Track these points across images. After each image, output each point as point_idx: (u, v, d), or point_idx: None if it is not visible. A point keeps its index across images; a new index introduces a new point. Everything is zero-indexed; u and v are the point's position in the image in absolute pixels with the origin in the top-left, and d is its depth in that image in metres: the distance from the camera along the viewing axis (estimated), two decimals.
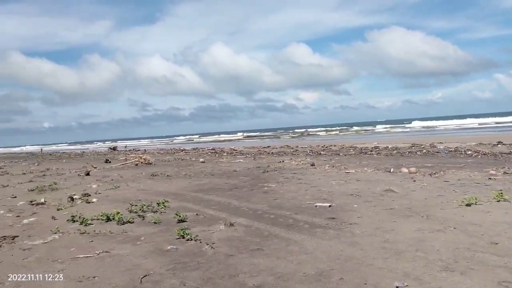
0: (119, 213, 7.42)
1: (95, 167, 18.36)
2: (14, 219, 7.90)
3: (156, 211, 7.84)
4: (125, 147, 52.76)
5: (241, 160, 19.56)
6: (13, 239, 6.29)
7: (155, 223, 6.91)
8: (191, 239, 5.69)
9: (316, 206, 7.51)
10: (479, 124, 64.45)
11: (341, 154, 20.99)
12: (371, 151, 21.96)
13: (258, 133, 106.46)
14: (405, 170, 11.59)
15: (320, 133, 77.52)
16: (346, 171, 12.43)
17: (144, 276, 4.42)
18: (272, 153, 24.91)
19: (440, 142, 25.46)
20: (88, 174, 15.71)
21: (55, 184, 13.01)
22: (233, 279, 4.21)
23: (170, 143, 78.78)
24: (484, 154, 16.10)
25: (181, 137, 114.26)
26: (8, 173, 18.58)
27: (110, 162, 22.31)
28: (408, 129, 67.02)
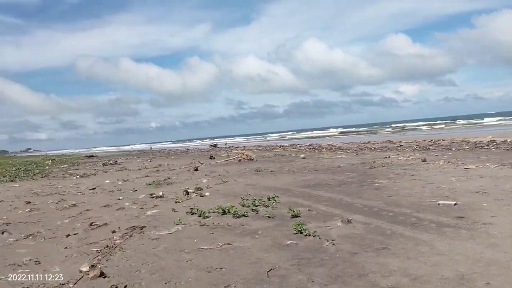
0: (233, 206, 7.62)
1: (202, 163, 19.25)
2: (139, 211, 8.52)
3: (268, 206, 7.91)
4: (225, 144, 54.77)
5: (343, 156, 19.09)
6: (141, 229, 6.76)
7: (269, 217, 6.96)
8: (309, 235, 5.61)
9: (439, 204, 6.96)
10: None
11: (453, 149, 19.45)
12: (487, 145, 20.03)
13: (353, 128, 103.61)
14: None
15: (423, 127, 72.97)
16: (465, 167, 11.42)
17: (270, 270, 4.43)
18: (375, 148, 23.96)
19: None
20: (196, 169, 16.51)
21: (169, 178, 13.87)
22: (363, 279, 4.01)
23: (264, 140, 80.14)
24: None
25: (274, 134, 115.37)
26: (126, 169, 20.31)
27: (214, 158, 23.26)
28: None
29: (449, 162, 13.06)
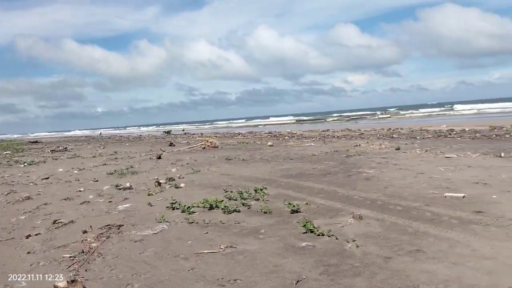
0: (222, 201, 6.79)
1: (164, 151, 18.09)
2: (108, 205, 7.47)
3: (258, 199, 7.13)
4: (183, 130, 53.15)
5: (312, 144, 18.62)
6: (118, 229, 5.78)
7: (265, 212, 6.19)
8: (323, 235, 4.90)
9: (445, 196, 6.50)
10: None
11: (417, 137, 19.54)
12: (449, 134, 20.34)
13: (305, 117, 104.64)
14: None
15: (369, 117, 75.08)
16: (446, 155, 11.21)
17: (298, 282, 3.68)
18: (338, 136, 23.76)
19: None
20: (159, 157, 15.37)
21: (132, 167, 12.72)
22: None
23: (213, 127, 79.18)
24: None
25: (223, 122, 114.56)
26: (79, 156, 18.70)
27: (174, 145, 22.08)
28: (473, 111, 62.99)
29: (426, 150, 12.87)
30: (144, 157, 16.51)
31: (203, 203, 6.75)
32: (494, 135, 18.00)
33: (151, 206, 7.13)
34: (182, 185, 9.05)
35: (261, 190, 7.67)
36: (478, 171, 8.68)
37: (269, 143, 19.54)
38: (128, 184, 9.32)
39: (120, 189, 9.01)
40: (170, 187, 8.93)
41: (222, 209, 6.46)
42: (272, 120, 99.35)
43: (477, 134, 19.08)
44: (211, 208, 6.60)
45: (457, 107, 77.66)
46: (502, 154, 10.53)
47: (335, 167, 10.61)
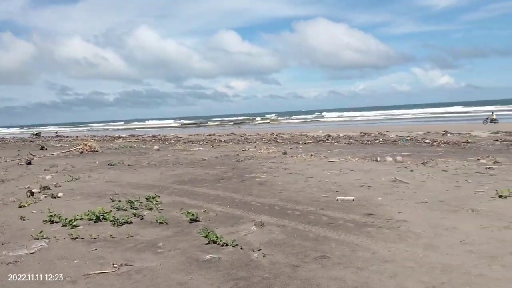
0: (111, 211, 6.16)
1: (34, 155, 16.13)
2: None
3: (152, 208, 6.63)
4: (56, 133, 48.30)
5: (201, 148, 18.33)
6: None
7: (161, 223, 5.76)
8: (227, 245, 4.68)
9: (337, 199, 6.78)
10: (401, 114, 69.03)
11: (300, 142, 20.55)
12: (327, 139, 21.78)
13: (187, 120, 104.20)
14: (389, 159, 11.28)
15: (250, 122, 78.20)
16: (329, 160, 11.86)
17: None
18: (225, 141, 23.86)
19: (387, 131, 26.02)
20: (29, 163, 13.64)
21: None
22: None
23: (90, 129, 74.82)
24: (455, 143, 16.33)
25: (100, 124, 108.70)
26: None
27: (46, 149, 19.92)
28: (341, 119, 69.08)
29: (311, 155, 13.49)
30: (10, 162, 14.52)
31: (87, 215, 6.04)
32: (366, 141, 19.76)
33: (24, 220, 6.17)
34: (60, 194, 8.06)
35: (154, 198, 7.18)
36: (360, 174, 9.31)
37: (156, 147, 18.74)
38: None
39: None
40: (45, 197, 7.88)
41: (111, 221, 5.84)
42: (154, 123, 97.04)
43: (351, 140, 20.76)
44: (97, 220, 5.93)
45: (326, 114, 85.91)
46: (378, 159, 11.52)
47: (227, 172, 10.50)
